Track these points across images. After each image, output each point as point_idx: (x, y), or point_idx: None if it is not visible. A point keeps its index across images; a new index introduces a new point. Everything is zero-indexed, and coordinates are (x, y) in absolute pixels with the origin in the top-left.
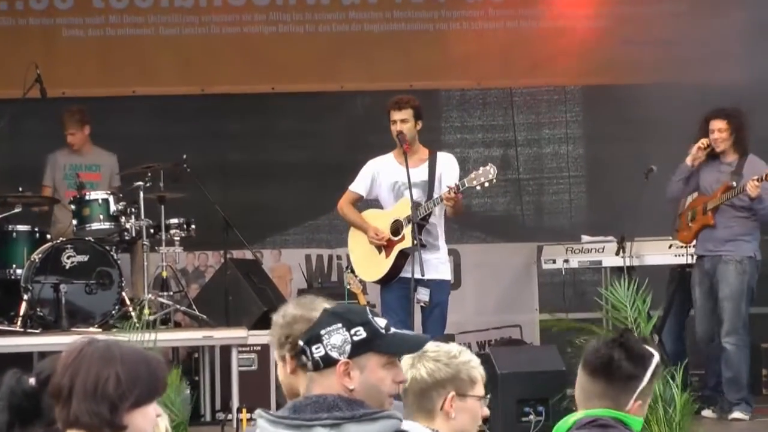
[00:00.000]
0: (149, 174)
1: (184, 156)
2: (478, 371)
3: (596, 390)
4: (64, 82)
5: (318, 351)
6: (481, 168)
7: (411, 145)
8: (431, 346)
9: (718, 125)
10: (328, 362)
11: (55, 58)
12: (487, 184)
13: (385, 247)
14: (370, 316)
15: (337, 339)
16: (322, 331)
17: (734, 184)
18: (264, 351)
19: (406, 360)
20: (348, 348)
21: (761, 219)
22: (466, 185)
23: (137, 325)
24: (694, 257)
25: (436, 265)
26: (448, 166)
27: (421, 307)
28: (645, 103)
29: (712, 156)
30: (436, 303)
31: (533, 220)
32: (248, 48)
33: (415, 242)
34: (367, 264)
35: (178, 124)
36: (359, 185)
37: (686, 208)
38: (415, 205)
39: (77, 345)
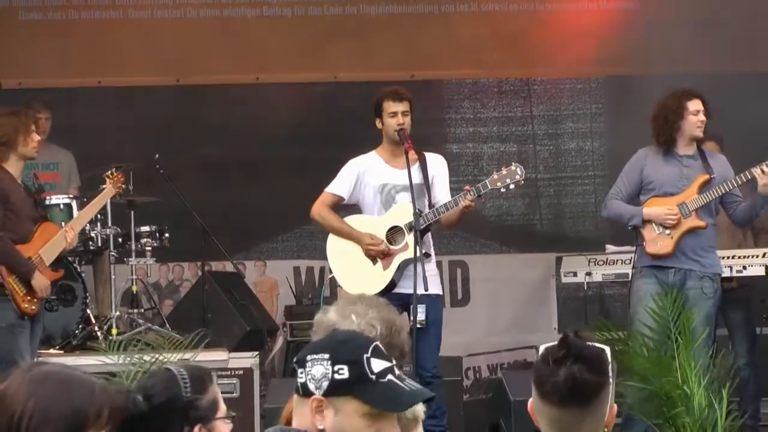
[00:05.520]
0: None
1: (157, 155)
2: (422, 408)
3: (573, 419)
4: (21, 71)
5: (300, 377)
6: (505, 168)
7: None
8: None
9: (702, 106)
10: (305, 392)
11: (11, 44)
12: (512, 186)
13: (382, 257)
14: (366, 354)
15: (318, 371)
16: (309, 357)
17: (714, 176)
18: (247, 375)
19: None
20: (325, 385)
21: (740, 216)
22: (489, 187)
23: (103, 346)
24: (733, 269)
25: (429, 278)
26: (440, 168)
27: (417, 327)
28: None
29: (668, 152)
30: (431, 322)
31: (552, 226)
32: (229, 33)
33: (418, 253)
34: (358, 277)
35: (150, 119)
36: (341, 186)
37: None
38: (419, 212)
39: (11, 375)
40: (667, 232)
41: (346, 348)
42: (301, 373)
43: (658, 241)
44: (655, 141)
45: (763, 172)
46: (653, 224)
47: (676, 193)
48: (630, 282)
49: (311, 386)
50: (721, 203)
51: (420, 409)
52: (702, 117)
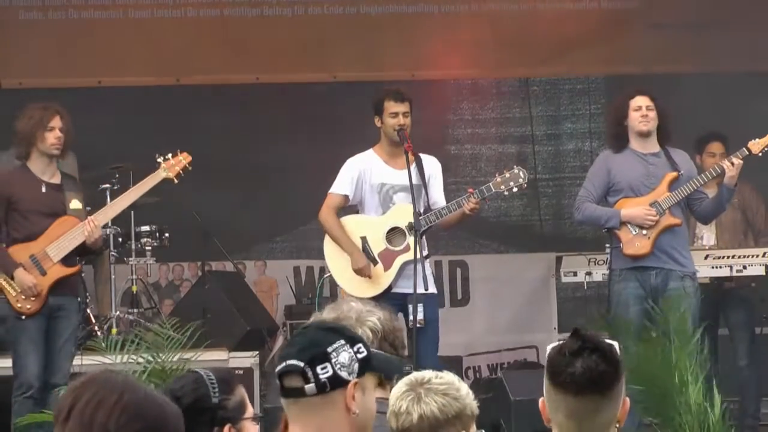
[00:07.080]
0: (117, 175)
1: (157, 155)
2: (476, 404)
3: (591, 406)
4: (21, 71)
5: (325, 372)
6: (508, 171)
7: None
8: (433, 377)
9: (646, 102)
10: (337, 384)
11: (11, 44)
12: (515, 190)
13: (383, 257)
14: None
15: (344, 357)
16: (329, 349)
17: (682, 173)
18: (247, 375)
19: (407, 394)
20: (356, 367)
21: (705, 212)
22: (492, 190)
23: (103, 345)
24: (733, 269)
25: (426, 277)
26: (435, 169)
27: (415, 327)
28: (678, 94)
29: (620, 149)
30: (429, 320)
31: (552, 226)
32: (229, 33)
33: (419, 255)
34: (358, 278)
35: (150, 119)
36: (344, 186)
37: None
38: (419, 214)
39: (94, 371)
40: (644, 232)
41: (346, 329)
42: (325, 368)
43: (635, 242)
44: (607, 142)
45: (732, 164)
46: (629, 225)
47: (646, 192)
48: (608, 285)
49: (344, 374)
50: (685, 199)
51: (475, 405)
52: (645, 112)
